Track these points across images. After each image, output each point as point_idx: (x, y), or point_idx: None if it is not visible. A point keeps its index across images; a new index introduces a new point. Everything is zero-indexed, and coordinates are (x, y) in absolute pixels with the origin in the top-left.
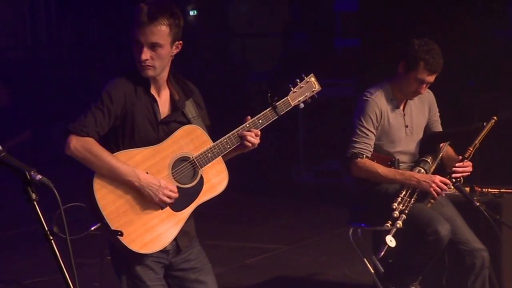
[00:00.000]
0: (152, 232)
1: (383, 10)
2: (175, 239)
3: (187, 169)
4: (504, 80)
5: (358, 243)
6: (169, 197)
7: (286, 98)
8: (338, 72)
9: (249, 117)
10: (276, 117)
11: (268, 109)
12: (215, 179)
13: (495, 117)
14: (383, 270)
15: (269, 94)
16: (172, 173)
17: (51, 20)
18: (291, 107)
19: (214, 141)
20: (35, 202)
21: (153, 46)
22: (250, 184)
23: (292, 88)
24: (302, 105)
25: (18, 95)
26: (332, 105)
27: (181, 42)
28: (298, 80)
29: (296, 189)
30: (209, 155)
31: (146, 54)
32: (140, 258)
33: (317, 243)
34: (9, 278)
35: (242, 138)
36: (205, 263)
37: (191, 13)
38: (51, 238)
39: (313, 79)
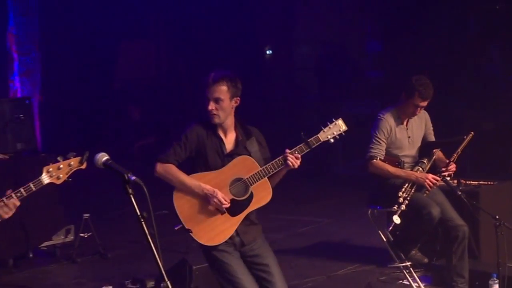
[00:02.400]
0: (215, 230)
1: (399, 51)
2: (239, 236)
3: (241, 186)
4: (487, 101)
5: (375, 220)
6: (223, 199)
7: (316, 135)
8: (369, 94)
9: (287, 149)
10: (309, 149)
11: (302, 143)
12: (262, 194)
13: (472, 132)
14: (392, 239)
15: (301, 133)
16: (230, 189)
17: (167, 56)
18: (320, 142)
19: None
20: (131, 195)
21: (217, 101)
22: (304, 175)
23: (323, 128)
24: (332, 140)
25: (146, 112)
26: (363, 117)
27: (239, 98)
28: (328, 122)
29: (336, 178)
30: (257, 176)
31: (211, 106)
32: (214, 247)
33: (349, 218)
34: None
35: (286, 159)
36: (267, 250)
37: (268, 52)
38: (142, 220)
39: (340, 121)
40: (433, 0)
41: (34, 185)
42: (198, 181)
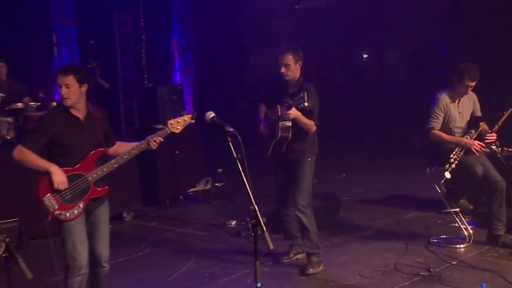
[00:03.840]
0: (263, 145)
1: (461, 51)
2: (280, 151)
3: (276, 123)
4: None
5: (433, 176)
6: (262, 127)
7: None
8: (439, 86)
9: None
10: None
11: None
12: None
13: (511, 108)
14: (445, 191)
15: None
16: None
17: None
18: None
19: None
20: (229, 142)
21: (286, 66)
22: (382, 147)
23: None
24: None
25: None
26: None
27: (301, 61)
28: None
29: (410, 149)
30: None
31: (283, 69)
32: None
33: (415, 177)
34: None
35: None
36: (295, 171)
37: (364, 56)
38: (237, 160)
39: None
40: (488, 9)
41: (161, 133)
42: (261, 115)
